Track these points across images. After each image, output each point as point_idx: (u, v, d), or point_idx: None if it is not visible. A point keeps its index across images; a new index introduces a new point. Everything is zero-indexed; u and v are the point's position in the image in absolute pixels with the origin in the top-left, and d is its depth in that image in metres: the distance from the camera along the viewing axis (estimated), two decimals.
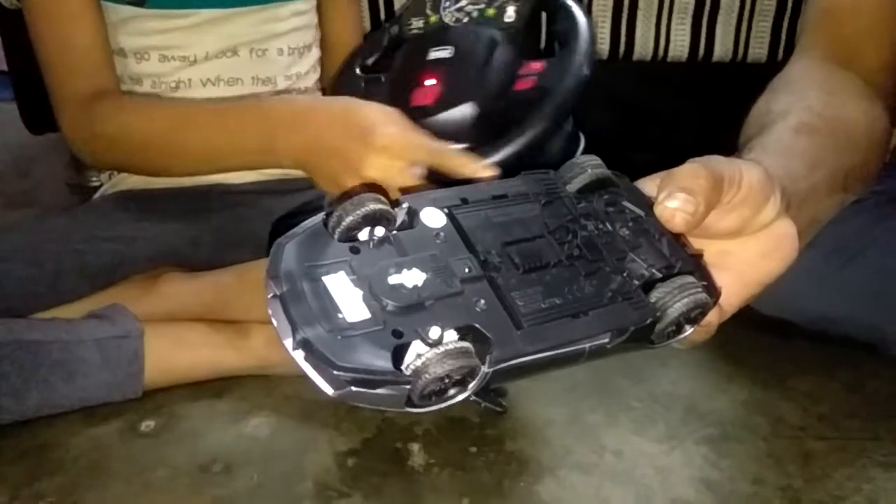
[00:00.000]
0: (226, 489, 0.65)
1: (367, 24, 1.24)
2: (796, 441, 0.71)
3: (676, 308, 0.40)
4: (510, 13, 0.84)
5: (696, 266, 0.44)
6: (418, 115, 0.79)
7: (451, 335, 0.35)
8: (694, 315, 0.42)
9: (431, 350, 0.34)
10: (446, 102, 0.79)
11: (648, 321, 0.40)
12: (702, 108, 1.21)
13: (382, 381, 0.34)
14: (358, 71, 0.91)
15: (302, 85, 1.04)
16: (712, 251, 0.47)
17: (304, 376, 0.35)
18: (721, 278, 0.46)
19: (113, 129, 0.89)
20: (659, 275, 0.42)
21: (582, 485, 0.65)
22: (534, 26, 0.87)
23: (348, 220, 0.37)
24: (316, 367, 0.34)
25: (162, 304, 0.80)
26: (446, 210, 0.41)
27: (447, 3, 0.87)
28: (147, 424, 0.73)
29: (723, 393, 0.77)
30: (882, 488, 0.65)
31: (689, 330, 0.43)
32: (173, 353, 0.77)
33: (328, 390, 0.34)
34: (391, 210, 0.38)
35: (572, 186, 0.45)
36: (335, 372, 0.34)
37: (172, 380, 0.77)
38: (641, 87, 1.24)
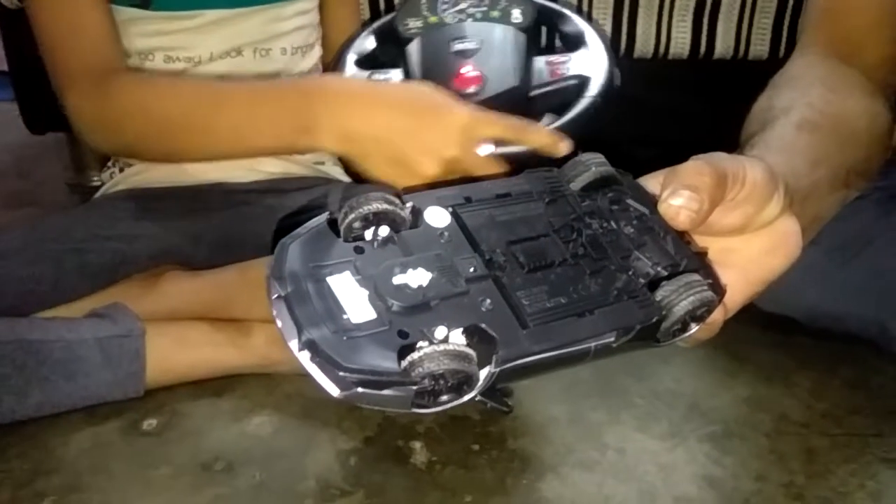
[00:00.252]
0: (228, 488, 0.65)
1: (366, 8, 1.23)
2: (799, 438, 0.71)
3: (682, 306, 0.40)
4: (516, 14, 0.86)
5: (700, 264, 0.44)
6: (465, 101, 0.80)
7: (457, 335, 0.35)
8: (699, 313, 0.41)
9: (431, 346, 0.34)
10: (493, 86, 0.81)
11: (654, 320, 0.40)
12: (703, 105, 1.21)
13: (388, 381, 0.34)
14: (355, 68, 0.91)
15: None
16: (716, 248, 0.47)
17: (308, 375, 0.35)
18: (725, 275, 0.46)
19: (129, 105, 0.87)
20: (664, 273, 0.42)
21: (584, 482, 0.65)
22: (538, 30, 0.89)
23: (353, 216, 0.37)
24: (322, 369, 0.34)
25: (163, 302, 0.80)
26: (450, 209, 0.40)
27: (445, 6, 0.88)
28: (149, 423, 0.73)
29: (725, 390, 0.77)
30: (885, 484, 0.65)
31: (694, 328, 0.43)
32: (175, 351, 0.77)
33: (334, 391, 0.34)
34: (399, 209, 0.38)
35: (576, 184, 0.45)
36: (341, 373, 0.34)
37: (174, 378, 0.77)
38: (642, 85, 1.24)
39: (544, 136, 0.74)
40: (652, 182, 0.47)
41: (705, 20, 1.22)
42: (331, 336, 0.34)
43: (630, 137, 1.16)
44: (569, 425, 0.72)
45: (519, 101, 0.82)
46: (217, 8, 0.95)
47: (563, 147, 0.75)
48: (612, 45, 1.20)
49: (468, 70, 0.83)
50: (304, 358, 0.34)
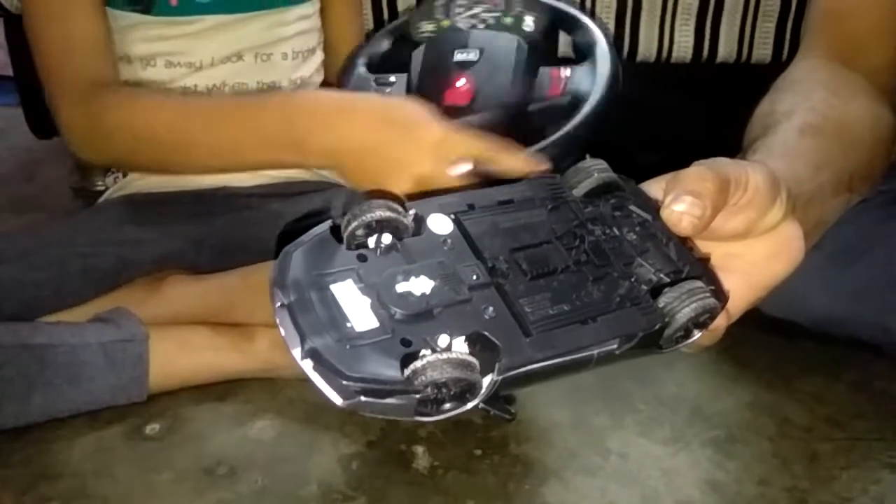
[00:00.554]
0: (230, 492, 0.65)
1: (371, 26, 1.24)
2: (802, 442, 0.70)
3: (685, 313, 0.40)
4: (528, 22, 0.84)
5: (703, 270, 0.44)
6: (453, 115, 0.79)
7: (459, 343, 0.35)
8: (702, 320, 0.41)
9: (434, 354, 0.34)
10: (481, 103, 0.80)
11: (657, 327, 0.40)
12: (706, 109, 1.21)
13: (391, 390, 0.34)
14: (364, 70, 0.91)
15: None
16: (718, 254, 0.47)
17: (310, 382, 0.35)
18: (727, 281, 0.46)
19: (116, 120, 0.87)
20: (667, 279, 0.42)
21: (587, 487, 0.65)
22: (551, 37, 0.88)
23: (355, 224, 0.37)
24: (325, 377, 0.34)
25: (166, 307, 0.80)
26: (453, 216, 0.40)
27: (459, 10, 0.86)
28: (152, 427, 0.73)
29: (728, 394, 0.77)
30: (889, 489, 0.65)
31: (697, 335, 0.43)
32: (178, 356, 0.77)
33: (337, 400, 0.34)
34: (402, 217, 0.38)
35: (579, 191, 0.45)
36: (344, 382, 0.34)
37: (177, 383, 0.77)
38: (645, 88, 1.24)
39: (518, 162, 0.73)
40: (654, 187, 0.47)
41: (708, 24, 1.22)
42: (334, 345, 0.34)
43: (632, 141, 1.16)
44: (571, 430, 0.72)
45: (516, 116, 0.81)
46: (218, 13, 0.95)
47: (537, 170, 0.73)
48: (615, 49, 1.21)
49: (462, 83, 0.81)
50: (307, 366, 0.34)
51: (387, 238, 0.38)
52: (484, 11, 0.85)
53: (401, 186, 0.73)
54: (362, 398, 0.34)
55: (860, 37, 0.73)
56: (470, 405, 0.36)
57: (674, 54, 1.24)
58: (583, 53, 0.84)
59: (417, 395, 0.34)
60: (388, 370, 0.34)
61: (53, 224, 0.95)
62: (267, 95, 0.95)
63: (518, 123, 0.80)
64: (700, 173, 0.44)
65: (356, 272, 0.37)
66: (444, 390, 0.34)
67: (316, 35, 1.05)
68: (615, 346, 0.39)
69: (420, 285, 0.36)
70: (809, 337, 0.82)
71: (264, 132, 0.81)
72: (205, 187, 0.97)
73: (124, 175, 1.02)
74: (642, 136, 1.25)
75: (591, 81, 0.80)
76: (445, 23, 0.87)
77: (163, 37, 0.95)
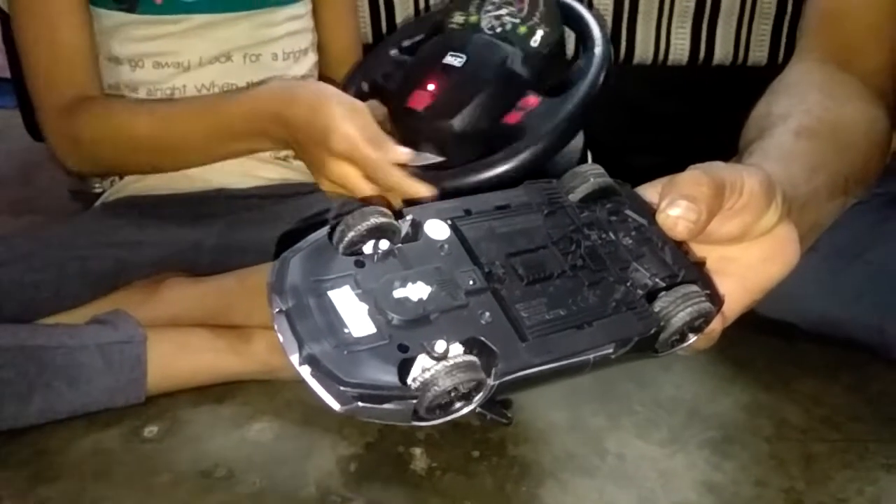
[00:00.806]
0: (228, 494, 0.65)
1: (369, 29, 1.23)
2: (799, 443, 0.71)
3: (680, 318, 0.40)
4: (536, 38, 0.81)
5: (699, 274, 0.44)
6: (408, 118, 0.79)
7: (456, 348, 0.35)
8: (697, 324, 0.42)
9: (440, 363, 0.34)
10: (434, 113, 0.78)
11: (652, 331, 0.40)
12: (702, 111, 1.21)
13: (389, 395, 0.34)
14: (393, 51, 0.89)
15: None
16: (714, 257, 0.47)
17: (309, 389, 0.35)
18: (723, 284, 0.46)
19: (97, 134, 0.91)
20: (662, 284, 0.42)
21: (584, 488, 0.65)
22: (556, 56, 0.83)
23: (351, 234, 0.37)
24: (322, 383, 0.34)
25: (165, 309, 0.80)
26: (450, 222, 0.41)
27: (489, 8, 0.84)
28: (150, 430, 0.73)
29: (725, 396, 0.77)
30: (885, 490, 0.65)
31: (692, 338, 0.43)
32: (176, 358, 0.77)
33: (335, 406, 0.35)
34: (395, 222, 0.38)
35: (575, 196, 0.45)
36: (341, 388, 0.34)
37: (175, 385, 0.77)
38: (642, 91, 1.24)
39: (409, 191, 0.74)
40: (650, 191, 0.47)
41: (704, 26, 1.22)
42: (331, 350, 0.34)
43: (628, 143, 1.16)
44: (569, 431, 0.72)
45: (447, 136, 0.78)
46: (204, 12, 0.95)
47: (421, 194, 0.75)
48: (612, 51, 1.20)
49: (431, 88, 0.79)
50: (305, 372, 0.35)
51: (384, 244, 0.38)
52: (507, 14, 0.83)
53: (329, 169, 0.78)
54: (360, 404, 0.34)
55: (856, 39, 0.73)
56: (467, 410, 0.36)
57: (670, 57, 1.24)
58: (569, 83, 0.80)
59: (414, 400, 0.34)
60: (386, 375, 0.34)
61: (52, 226, 0.96)
62: (233, 92, 0.97)
63: (465, 141, 0.78)
64: (695, 177, 0.44)
65: (353, 278, 0.37)
66: (454, 393, 0.35)
67: (308, 36, 1.04)
68: (611, 351, 0.40)
69: (417, 291, 0.37)
70: (806, 339, 0.83)
71: (232, 128, 0.87)
72: (203, 190, 0.97)
73: (121, 178, 1.02)
74: (638, 138, 1.26)
75: (550, 123, 0.75)
76: (473, 18, 0.85)
77: (149, 37, 0.94)
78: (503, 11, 0.83)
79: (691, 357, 0.81)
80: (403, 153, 0.76)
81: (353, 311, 0.36)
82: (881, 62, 0.72)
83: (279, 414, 0.75)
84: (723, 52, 1.24)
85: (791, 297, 0.70)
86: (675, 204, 0.43)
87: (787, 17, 1.21)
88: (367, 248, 0.38)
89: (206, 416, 0.75)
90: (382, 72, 0.87)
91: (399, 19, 1.23)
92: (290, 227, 0.88)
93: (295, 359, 0.35)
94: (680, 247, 0.45)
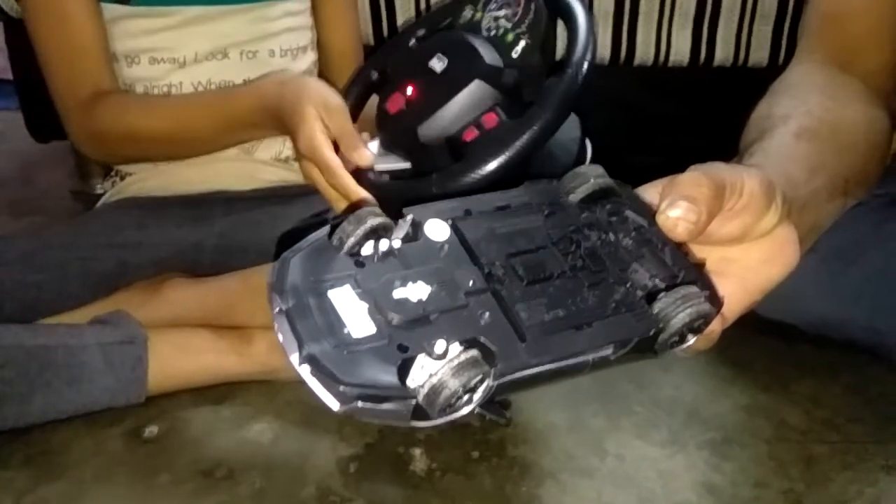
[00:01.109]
0: (228, 495, 0.66)
1: (369, 30, 1.23)
2: (799, 445, 0.71)
3: (679, 319, 0.40)
4: (518, 49, 0.78)
5: (698, 275, 0.44)
6: (384, 120, 0.80)
7: (455, 349, 0.35)
8: (697, 325, 0.42)
9: (445, 365, 0.34)
10: (404, 118, 0.78)
11: (651, 332, 0.40)
12: (703, 112, 1.21)
13: (388, 395, 0.34)
14: (412, 40, 0.87)
15: None
16: (714, 258, 0.47)
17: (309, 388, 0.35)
18: (723, 285, 0.46)
19: (118, 128, 0.93)
20: (662, 285, 0.42)
21: (584, 489, 0.65)
22: (534, 72, 0.78)
23: (351, 241, 0.37)
24: (322, 383, 0.34)
25: (166, 309, 0.80)
26: (450, 222, 0.41)
27: (493, 6, 0.82)
28: (150, 430, 0.74)
29: (725, 397, 0.77)
30: (885, 491, 0.65)
31: (692, 339, 0.43)
32: (177, 358, 0.77)
33: (334, 405, 0.35)
34: (389, 220, 0.38)
35: (575, 196, 0.45)
36: (341, 387, 0.34)
37: (176, 385, 0.78)
38: (643, 92, 1.24)
39: (341, 184, 0.75)
40: (650, 192, 0.47)
41: (705, 27, 1.22)
42: (331, 350, 0.34)
43: (629, 144, 1.16)
44: (568, 432, 0.72)
45: (410, 143, 0.77)
46: (198, 5, 0.95)
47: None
48: (613, 52, 1.20)
49: (409, 92, 0.78)
50: (305, 372, 0.35)
51: (384, 244, 0.38)
52: (504, 18, 0.81)
53: (301, 166, 0.82)
54: (359, 403, 0.34)
55: (856, 40, 0.73)
56: (466, 410, 0.36)
57: (671, 58, 1.24)
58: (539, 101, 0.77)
59: (414, 401, 0.34)
60: (386, 375, 0.34)
61: (54, 227, 0.96)
62: (240, 86, 0.98)
63: (425, 151, 0.77)
64: (695, 178, 0.44)
65: (354, 278, 0.37)
66: (461, 390, 0.35)
67: (307, 33, 1.04)
68: (610, 352, 0.40)
69: (417, 291, 0.37)
70: (806, 340, 0.83)
71: (241, 120, 0.90)
72: (204, 191, 0.97)
73: (122, 179, 1.02)
74: (639, 139, 1.26)
75: (507, 146, 0.72)
76: (478, 16, 0.83)
77: (144, 31, 0.95)
78: (501, 13, 0.82)
79: (691, 358, 0.81)
80: (365, 156, 0.77)
81: (353, 311, 0.36)
82: (882, 63, 0.72)
83: (279, 414, 0.75)
84: (723, 53, 1.24)
85: (791, 299, 0.71)
86: (675, 205, 0.43)
87: (788, 19, 1.21)
88: (367, 248, 0.38)
89: (207, 417, 0.75)
90: (394, 61, 0.87)
91: (400, 21, 1.23)
92: (290, 227, 0.88)
93: (295, 358, 0.35)
94: (680, 248, 0.45)
